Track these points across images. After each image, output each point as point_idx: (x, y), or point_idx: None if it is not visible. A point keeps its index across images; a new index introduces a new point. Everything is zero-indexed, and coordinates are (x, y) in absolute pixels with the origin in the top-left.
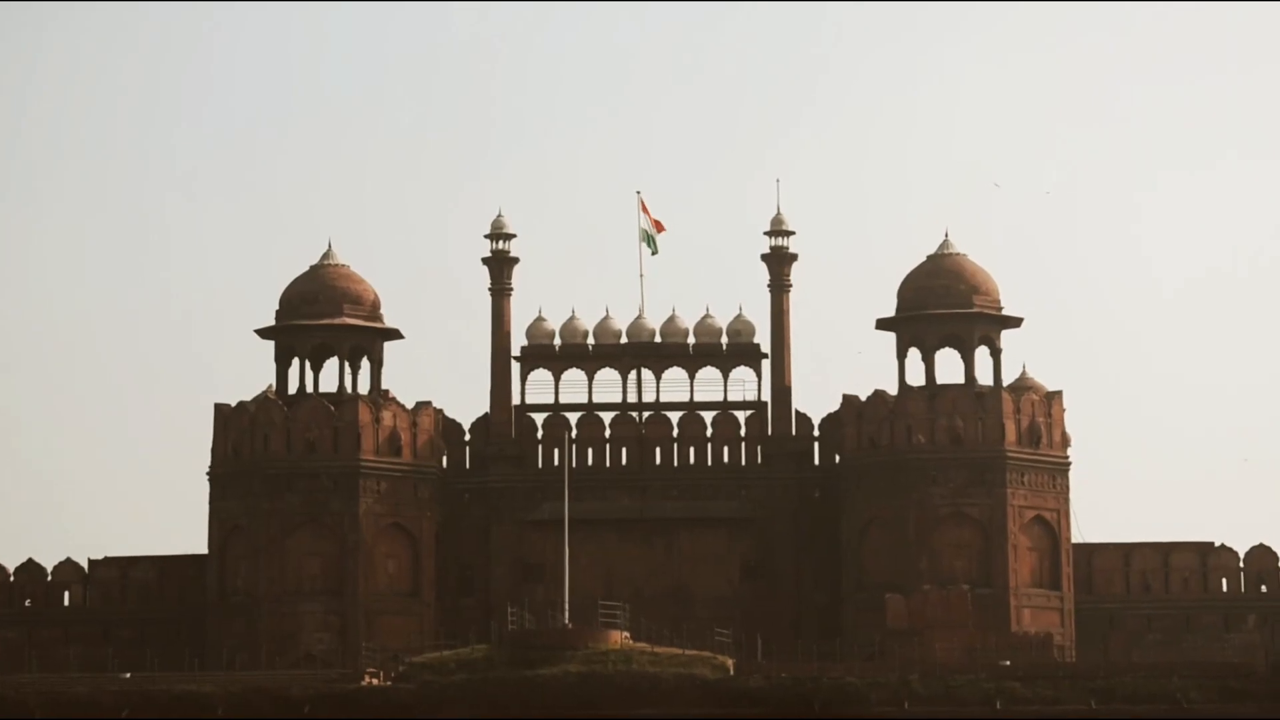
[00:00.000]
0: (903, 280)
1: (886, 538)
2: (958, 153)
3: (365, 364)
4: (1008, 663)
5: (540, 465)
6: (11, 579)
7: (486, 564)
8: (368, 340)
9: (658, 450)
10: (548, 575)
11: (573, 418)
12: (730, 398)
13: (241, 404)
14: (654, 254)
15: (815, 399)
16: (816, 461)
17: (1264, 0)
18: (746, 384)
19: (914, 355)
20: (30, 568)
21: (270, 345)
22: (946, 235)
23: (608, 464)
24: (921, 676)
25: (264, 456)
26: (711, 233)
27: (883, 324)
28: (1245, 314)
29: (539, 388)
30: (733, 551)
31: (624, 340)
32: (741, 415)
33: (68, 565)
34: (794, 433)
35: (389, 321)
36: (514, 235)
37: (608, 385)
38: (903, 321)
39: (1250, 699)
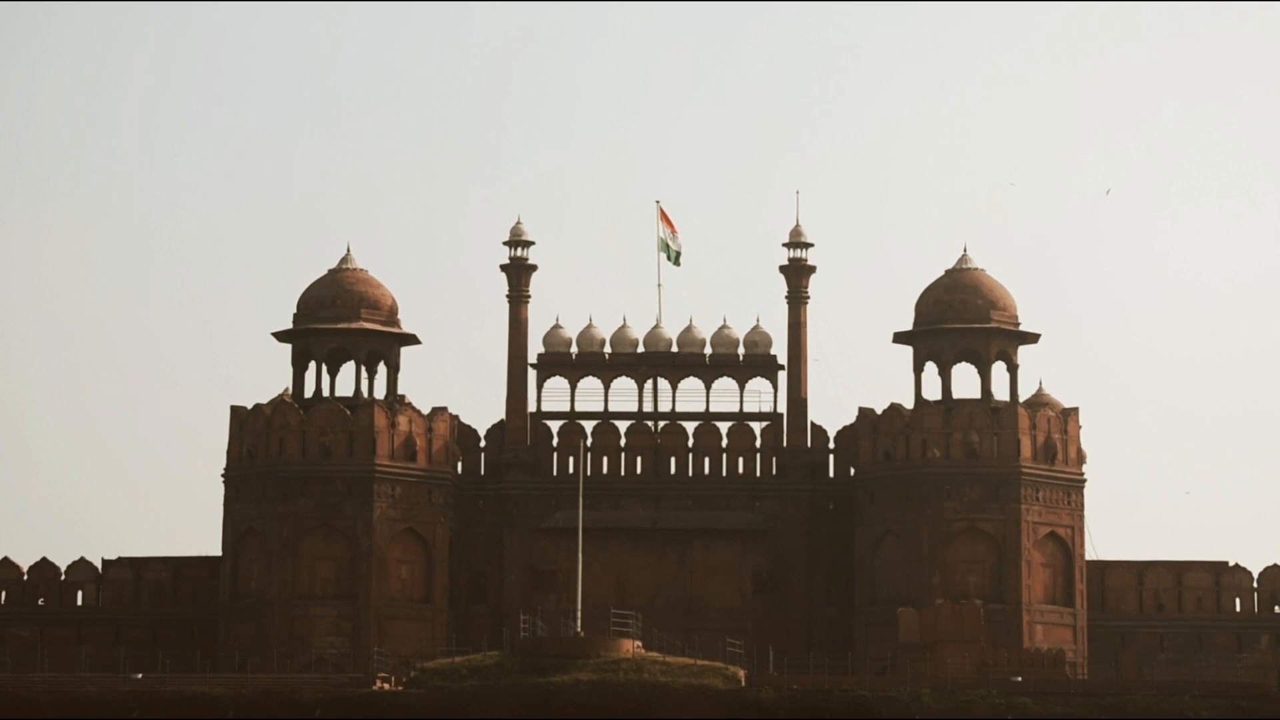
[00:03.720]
0: (920, 294)
1: (900, 551)
2: (977, 167)
3: (382, 369)
4: (1019, 678)
5: (555, 473)
6: (25, 577)
7: (499, 571)
8: (385, 345)
9: (672, 460)
10: (560, 583)
11: (588, 426)
12: (746, 409)
13: (257, 407)
14: (676, 265)
15: (831, 411)
16: (831, 474)
17: None
18: (762, 395)
19: (930, 369)
20: (44, 567)
21: (287, 348)
22: (965, 250)
23: (622, 473)
24: (933, 691)
25: (279, 460)
26: (730, 243)
27: (900, 338)
28: (1264, 333)
29: (555, 395)
30: (745, 563)
31: (641, 349)
32: (757, 426)
33: (81, 565)
34: (809, 445)
35: (406, 326)
36: (532, 242)
37: (624, 394)
38: (920, 335)
39: (1261, 719)
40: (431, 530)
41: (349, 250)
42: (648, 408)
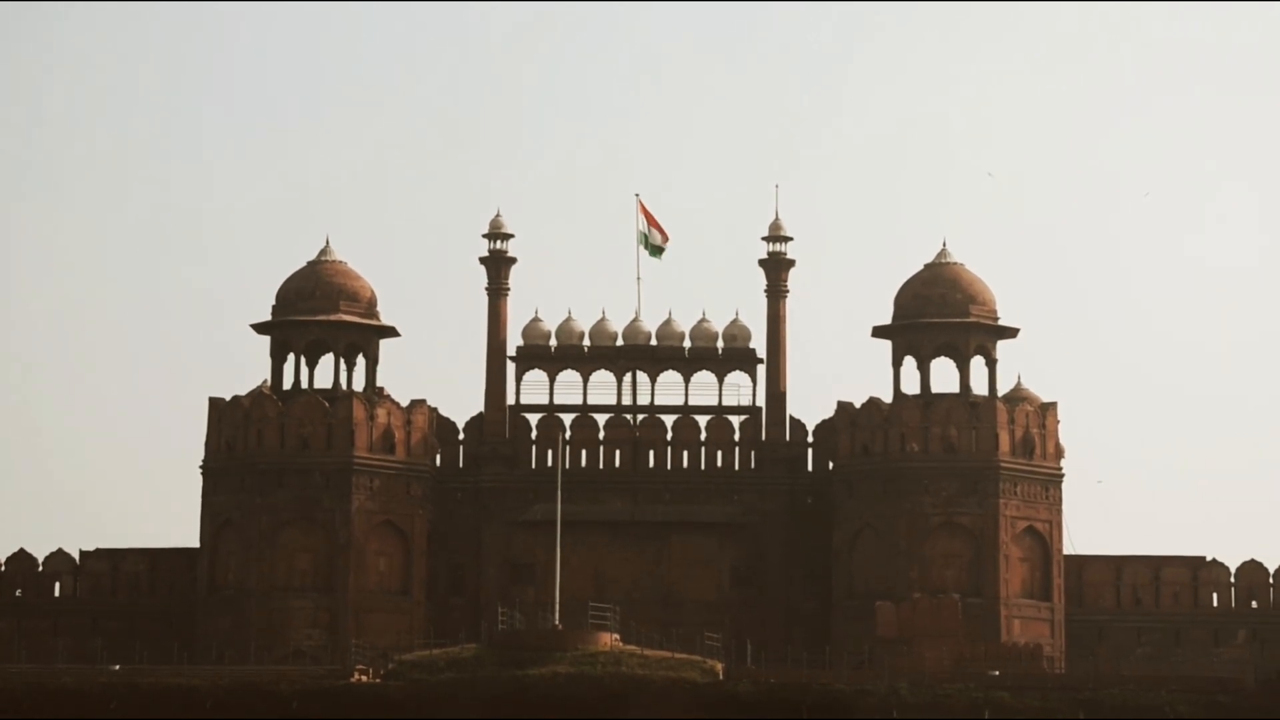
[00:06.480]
0: (899, 288)
1: (878, 546)
2: (957, 161)
3: (361, 361)
4: (997, 673)
5: (533, 466)
6: (2, 568)
7: (477, 563)
8: (364, 337)
9: (651, 453)
10: (538, 576)
11: (567, 419)
12: (725, 402)
13: (236, 398)
14: (655, 258)
15: (810, 405)
16: (810, 468)
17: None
18: (741, 389)
19: (909, 364)
20: (21, 558)
21: (266, 340)
22: (944, 244)
23: (600, 466)
24: (910, 685)
25: (257, 451)
26: (709, 237)
27: (879, 331)
28: (1240, 328)
29: (534, 388)
30: (723, 556)
31: (620, 342)
32: (736, 420)
33: (59, 556)
34: (788, 438)
35: (385, 319)
36: (512, 235)
37: (602, 387)
38: (899, 329)
39: (1238, 714)
40: (410, 523)
41: (328, 242)
42: (626, 401)
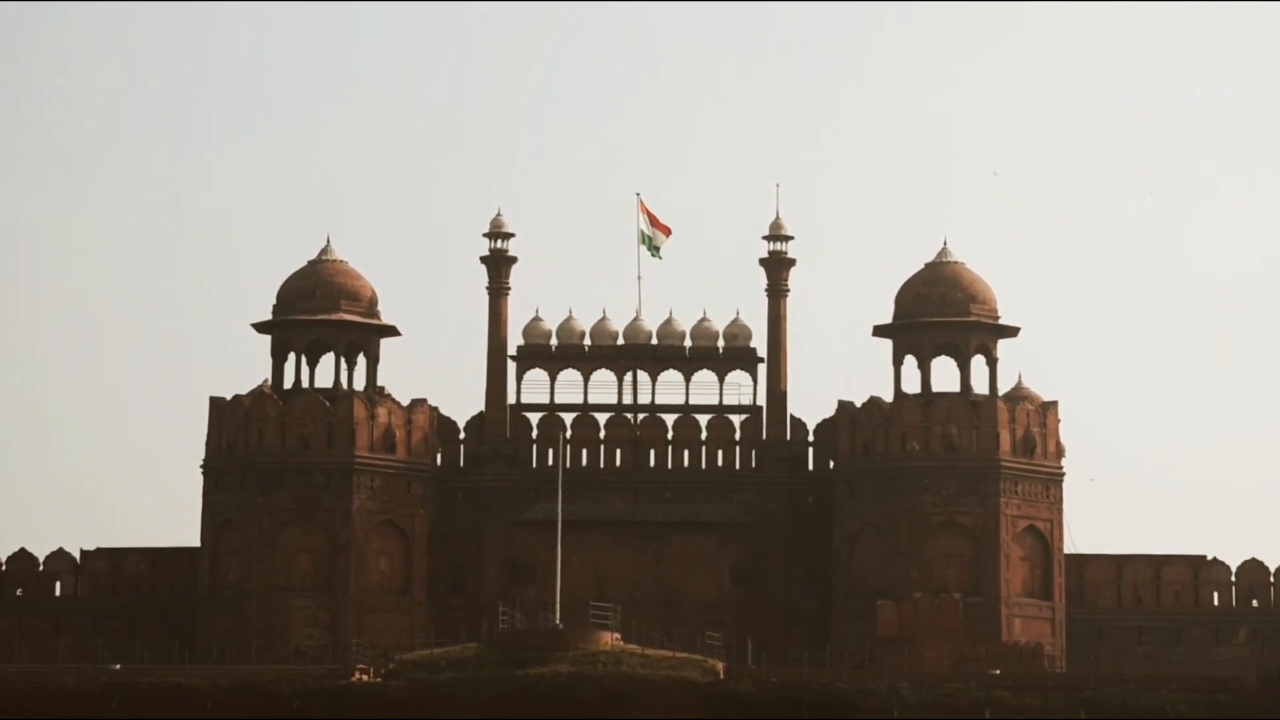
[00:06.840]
0: (900, 287)
1: (878, 545)
2: (958, 161)
3: (361, 360)
4: (997, 672)
5: (534, 465)
6: (3, 568)
7: (478, 563)
8: (364, 337)
9: (652, 452)
10: (539, 576)
11: (567, 418)
12: (725, 401)
13: (237, 398)
14: (655, 257)
15: (810, 404)
16: (810, 467)
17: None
18: (742, 388)
19: (910, 363)
20: (22, 557)
21: (267, 340)
22: (945, 243)
23: (601, 465)
24: (911, 684)
25: (258, 451)
26: (710, 236)
27: (880, 331)
28: (1240, 329)
29: (534, 387)
30: (724, 556)
31: (620, 342)
32: (736, 419)
33: (59, 555)
34: (788, 438)
35: (386, 318)
36: (513, 234)
37: (603, 386)
38: (899, 329)
39: (1239, 713)
40: (410, 522)
41: (329, 241)
42: (627, 400)
